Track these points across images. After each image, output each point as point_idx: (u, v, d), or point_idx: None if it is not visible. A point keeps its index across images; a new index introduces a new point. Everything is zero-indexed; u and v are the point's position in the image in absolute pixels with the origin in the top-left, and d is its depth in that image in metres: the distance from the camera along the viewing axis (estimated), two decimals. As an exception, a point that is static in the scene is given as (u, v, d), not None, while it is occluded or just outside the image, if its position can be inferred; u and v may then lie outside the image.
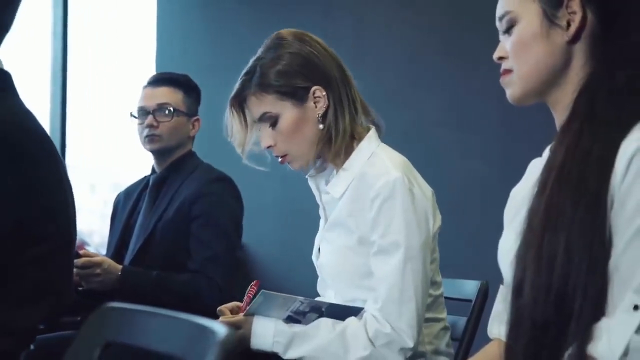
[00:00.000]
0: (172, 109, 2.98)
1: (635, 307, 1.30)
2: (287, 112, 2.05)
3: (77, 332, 2.62)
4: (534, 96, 1.54)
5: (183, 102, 3.01)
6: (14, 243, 1.77)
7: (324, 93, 2.05)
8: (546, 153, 1.57)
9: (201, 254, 2.82)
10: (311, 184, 2.18)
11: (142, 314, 1.32)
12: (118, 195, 3.19)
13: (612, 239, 1.34)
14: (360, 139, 2.09)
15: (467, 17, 3.92)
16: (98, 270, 2.75)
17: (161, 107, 2.98)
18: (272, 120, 2.06)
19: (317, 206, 2.21)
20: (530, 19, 1.51)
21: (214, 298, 2.69)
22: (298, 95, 2.05)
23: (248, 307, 2.03)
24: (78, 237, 4.38)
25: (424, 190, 2.03)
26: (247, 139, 2.11)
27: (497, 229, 1.72)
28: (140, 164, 4.83)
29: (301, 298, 2.01)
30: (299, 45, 2.06)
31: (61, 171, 1.92)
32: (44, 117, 4.79)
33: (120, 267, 2.81)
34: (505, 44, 1.55)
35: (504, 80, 1.57)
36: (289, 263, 4.36)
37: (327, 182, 2.13)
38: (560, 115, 1.51)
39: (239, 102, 2.09)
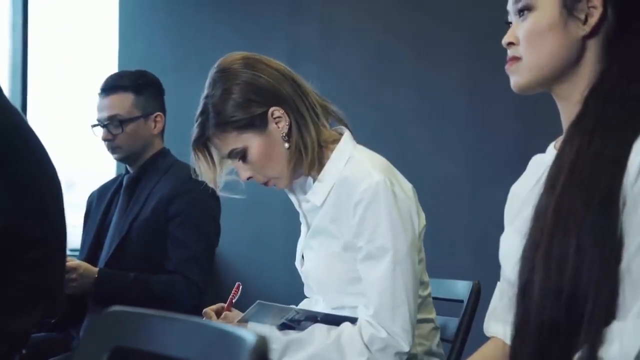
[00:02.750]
0: (121, 119, 2.92)
1: None
2: (253, 142, 2.02)
3: (49, 336, 2.57)
4: (539, 87, 1.51)
5: (134, 105, 2.95)
6: (7, 247, 1.72)
7: (282, 111, 2.02)
8: (550, 149, 1.56)
9: (179, 254, 2.78)
10: (288, 193, 2.16)
11: (152, 317, 1.28)
12: (91, 195, 3.13)
13: (624, 240, 1.32)
14: (330, 144, 2.07)
15: (436, 14, 3.94)
16: (74, 275, 2.69)
17: (111, 119, 2.93)
18: (241, 155, 2.03)
19: (288, 205, 2.19)
20: (548, 7, 1.47)
21: (194, 299, 2.66)
22: (257, 123, 2.01)
23: (242, 316, 2.00)
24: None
25: (405, 190, 2.02)
26: (217, 175, 2.09)
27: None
28: (94, 163, 4.79)
29: (297, 308, 2.00)
30: (244, 72, 2.02)
31: (51, 171, 1.87)
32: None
33: (96, 270, 2.75)
34: (517, 30, 1.50)
35: (510, 68, 1.51)
36: (258, 264, 4.33)
37: (305, 191, 2.10)
38: (567, 110, 1.49)
39: (203, 144, 2.06)
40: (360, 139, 3.94)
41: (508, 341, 1.48)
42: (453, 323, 2.20)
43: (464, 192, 3.79)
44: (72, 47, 5.00)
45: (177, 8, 4.65)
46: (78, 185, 5.29)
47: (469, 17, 3.81)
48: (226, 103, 2.00)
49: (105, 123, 2.93)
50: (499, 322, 1.63)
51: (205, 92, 2.05)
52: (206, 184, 2.89)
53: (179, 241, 2.80)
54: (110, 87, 2.97)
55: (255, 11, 4.37)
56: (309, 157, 2.02)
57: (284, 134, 2.02)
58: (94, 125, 2.97)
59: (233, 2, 4.49)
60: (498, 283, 1.65)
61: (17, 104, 4.65)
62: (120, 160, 2.98)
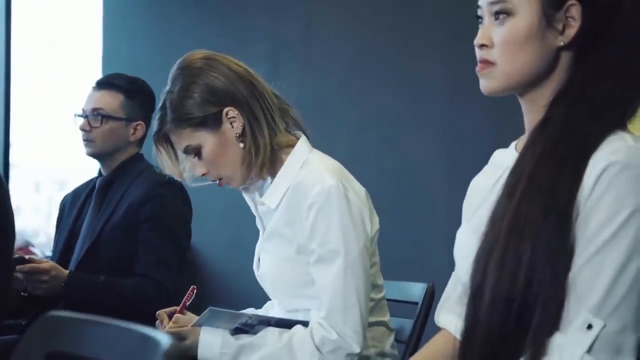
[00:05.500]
0: (104, 114, 2.94)
1: (589, 326, 1.32)
2: (207, 140, 2.06)
3: (20, 339, 2.59)
4: (509, 92, 1.50)
5: (121, 106, 2.97)
6: None
7: (237, 112, 2.05)
8: (512, 149, 1.56)
9: (149, 257, 2.79)
10: (245, 196, 2.19)
11: (85, 322, 1.31)
12: (64, 198, 3.15)
13: (574, 253, 1.34)
14: (286, 148, 2.09)
15: (419, 13, 3.94)
16: (45, 277, 2.70)
17: (94, 111, 2.95)
18: (196, 151, 2.07)
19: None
20: (528, 15, 1.45)
21: (163, 302, 2.65)
22: (211, 122, 2.05)
23: (195, 321, 2.02)
24: (22, 238, 4.32)
25: (359, 194, 2.05)
26: (182, 169, 2.13)
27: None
28: (85, 162, 4.80)
29: (249, 314, 2.02)
30: (203, 72, 2.05)
31: None
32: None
33: (66, 272, 2.77)
34: (491, 32, 1.48)
35: (483, 72, 1.49)
36: (236, 264, 4.34)
37: (261, 194, 2.13)
38: (532, 114, 1.49)
39: (163, 137, 2.11)
40: (342, 138, 3.97)
41: (458, 336, 1.50)
42: (409, 324, 2.21)
43: (442, 192, 3.79)
44: (56, 48, 5.02)
45: (161, 9, 4.66)
46: (70, 185, 5.32)
47: (452, 16, 3.81)
48: (183, 100, 2.05)
49: (87, 114, 2.96)
50: (449, 314, 1.65)
51: (167, 87, 2.10)
52: (178, 188, 2.93)
53: (149, 244, 2.80)
54: (105, 82, 3.02)
55: (238, 12, 4.38)
56: (259, 159, 2.05)
57: (237, 134, 2.05)
58: (78, 115, 2.99)
59: (216, 2, 4.51)
60: (453, 274, 1.66)
61: (0, 106, 4.67)
62: (90, 155, 2.99)
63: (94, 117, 2.94)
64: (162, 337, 1.11)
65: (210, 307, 1.96)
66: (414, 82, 3.93)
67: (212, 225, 4.23)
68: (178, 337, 2.01)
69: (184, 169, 2.13)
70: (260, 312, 2.21)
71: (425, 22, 3.92)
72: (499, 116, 3.65)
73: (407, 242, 3.72)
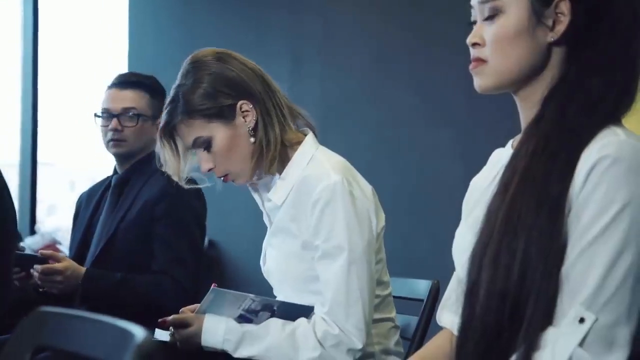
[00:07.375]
0: (137, 113, 2.94)
1: (581, 320, 1.32)
2: (219, 132, 2.06)
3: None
4: (502, 90, 1.51)
5: (148, 105, 2.98)
6: None
7: (251, 106, 2.06)
8: (509, 145, 1.58)
9: (165, 254, 2.79)
10: (252, 192, 2.18)
11: (71, 317, 1.32)
12: (81, 196, 3.16)
13: (566, 247, 1.35)
14: (295, 145, 2.09)
15: (437, 9, 3.92)
16: (59, 278, 2.71)
17: (126, 110, 2.95)
18: (206, 144, 2.07)
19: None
20: (518, 12, 1.46)
21: (179, 299, 2.66)
22: (225, 114, 2.05)
23: (200, 305, 2.03)
24: (50, 236, 4.34)
25: (365, 191, 2.04)
26: (181, 167, 2.13)
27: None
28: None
29: (252, 295, 2.02)
30: (216, 64, 2.06)
31: None
32: (15, 115, 4.78)
33: (84, 269, 2.78)
34: (483, 31, 1.50)
35: (475, 70, 1.51)
36: (258, 262, 4.36)
37: (268, 190, 2.13)
38: (526, 110, 1.50)
39: (169, 132, 2.11)
40: (362, 135, 3.95)
41: (456, 333, 1.50)
42: (415, 322, 2.21)
43: (458, 191, 3.77)
44: (82, 47, 5.06)
45: (185, 8, 4.69)
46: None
47: (471, 16, 3.78)
48: (196, 92, 2.05)
49: (117, 113, 2.94)
50: (450, 313, 1.65)
51: (177, 82, 2.10)
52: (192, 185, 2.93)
53: (164, 241, 2.80)
54: (130, 82, 3.01)
55: (258, 10, 4.40)
56: (270, 154, 2.06)
57: (250, 128, 2.06)
58: (99, 116, 2.99)
59: (241, 2, 4.52)
60: (454, 274, 1.67)
61: (27, 106, 4.72)
62: (118, 154, 2.98)
63: (127, 117, 2.94)
64: (138, 331, 1.11)
65: (213, 287, 1.97)
66: (432, 81, 3.91)
67: (234, 223, 4.25)
68: (182, 324, 2.02)
69: (182, 170, 2.13)
70: None
71: (444, 21, 3.90)
72: (515, 116, 3.63)
73: (419, 239, 3.71)
